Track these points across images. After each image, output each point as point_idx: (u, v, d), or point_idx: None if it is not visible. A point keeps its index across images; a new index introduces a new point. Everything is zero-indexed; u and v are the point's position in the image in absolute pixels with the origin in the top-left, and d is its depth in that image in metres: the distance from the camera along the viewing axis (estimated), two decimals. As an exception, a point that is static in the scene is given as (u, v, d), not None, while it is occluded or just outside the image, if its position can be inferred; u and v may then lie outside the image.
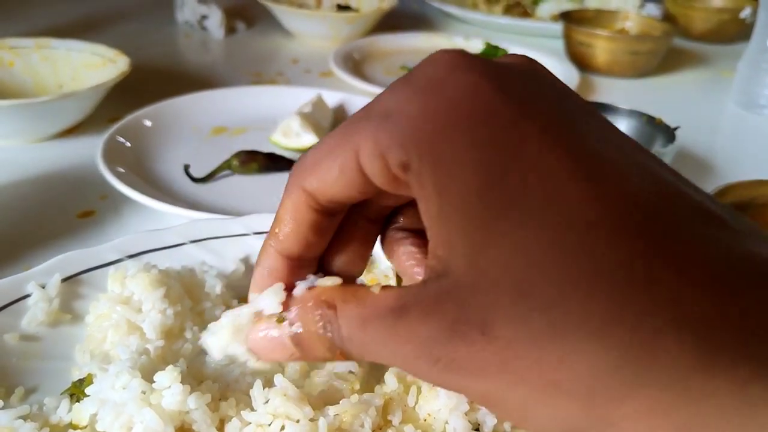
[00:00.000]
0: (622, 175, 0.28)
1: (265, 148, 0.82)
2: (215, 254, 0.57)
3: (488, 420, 0.39)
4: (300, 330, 0.32)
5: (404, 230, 0.38)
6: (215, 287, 0.53)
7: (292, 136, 0.84)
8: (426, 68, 0.30)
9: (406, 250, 0.37)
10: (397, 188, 0.30)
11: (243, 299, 0.55)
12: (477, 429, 0.40)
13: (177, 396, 0.38)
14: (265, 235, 0.57)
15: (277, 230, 0.34)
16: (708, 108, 1.20)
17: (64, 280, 0.52)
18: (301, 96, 0.95)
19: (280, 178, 0.78)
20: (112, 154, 0.74)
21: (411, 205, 0.36)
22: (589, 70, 1.28)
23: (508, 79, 0.29)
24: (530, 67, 0.32)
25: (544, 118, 0.28)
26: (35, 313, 0.49)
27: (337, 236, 0.36)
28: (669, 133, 0.82)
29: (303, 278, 0.35)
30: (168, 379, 0.40)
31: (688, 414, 0.25)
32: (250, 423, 0.40)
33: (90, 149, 0.79)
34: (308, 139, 0.83)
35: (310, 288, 0.32)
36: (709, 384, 0.25)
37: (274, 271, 0.35)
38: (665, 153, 0.76)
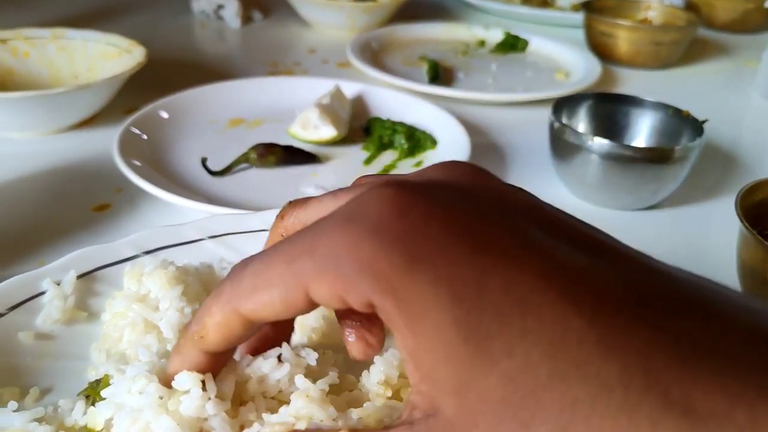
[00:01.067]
0: (593, 278, 0.27)
1: (283, 141, 0.81)
2: (234, 250, 0.56)
3: None
4: None
5: None
6: (234, 285, 0.52)
7: (311, 128, 0.82)
8: (368, 207, 0.30)
9: (347, 315, 0.36)
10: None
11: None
12: None
13: (195, 401, 0.37)
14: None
15: (202, 335, 0.35)
16: (732, 99, 1.17)
17: (80, 276, 0.51)
18: (319, 87, 0.94)
19: (299, 171, 0.77)
20: (128, 147, 0.73)
21: None
22: (611, 61, 1.25)
23: (454, 209, 0.29)
24: (472, 180, 0.32)
25: (500, 244, 0.28)
26: (50, 311, 0.48)
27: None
28: (697, 127, 0.79)
29: (222, 364, 0.38)
30: (187, 382, 0.39)
31: None
32: (273, 425, 0.38)
33: (105, 141, 0.78)
34: (327, 131, 0.82)
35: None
36: None
37: (196, 364, 0.36)
38: (694, 147, 0.74)
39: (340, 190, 0.36)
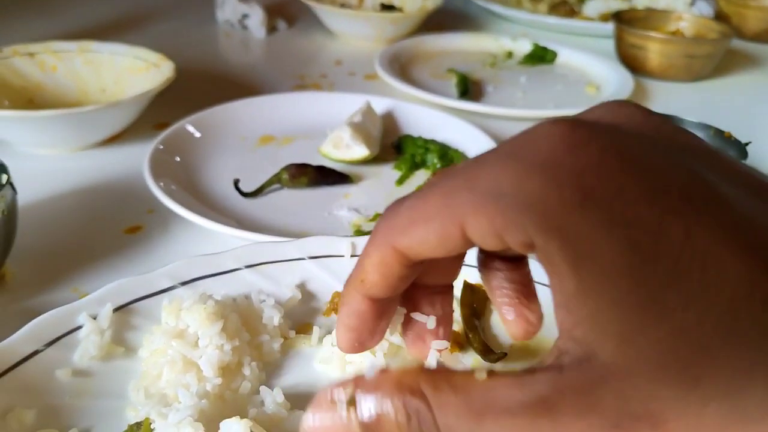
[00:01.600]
0: None
1: (315, 160, 0.79)
2: (270, 280, 0.55)
3: None
4: (373, 418, 0.29)
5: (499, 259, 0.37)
6: (273, 318, 0.51)
7: (343, 148, 0.80)
8: (536, 142, 0.28)
9: (501, 285, 0.37)
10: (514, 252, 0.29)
11: (300, 329, 0.52)
12: None
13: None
14: (320, 260, 0.55)
15: (362, 279, 0.34)
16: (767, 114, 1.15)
17: (116, 309, 0.49)
18: (349, 102, 0.92)
19: (331, 192, 0.76)
20: (159, 167, 0.72)
21: None
22: (642, 73, 1.23)
23: (629, 147, 0.27)
24: (643, 123, 0.30)
25: (681, 189, 0.26)
26: (87, 346, 0.47)
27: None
28: (740, 149, 0.77)
29: (386, 317, 0.37)
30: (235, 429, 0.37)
31: None
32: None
33: (135, 157, 0.77)
34: (359, 150, 0.80)
35: (383, 370, 0.30)
36: None
37: (360, 313, 0.36)
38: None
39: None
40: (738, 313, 0.24)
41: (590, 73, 1.22)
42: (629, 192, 0.25)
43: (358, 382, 0.30)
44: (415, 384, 0.28)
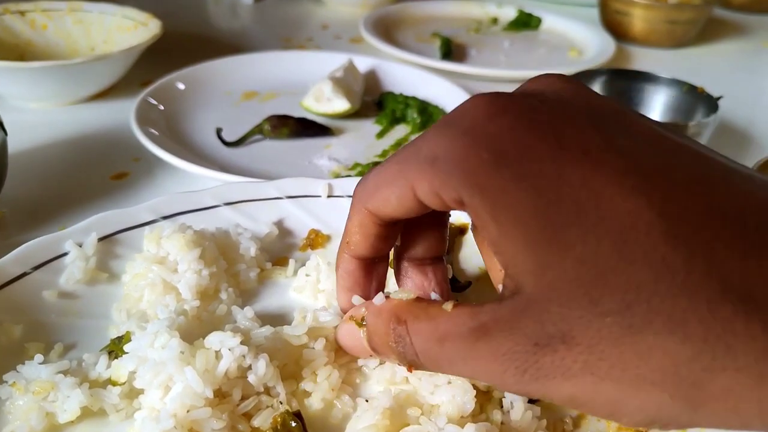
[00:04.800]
0: (667, 176, 0.30)
1: (297, 113, 0.81)
2: (249, 217, 0.57)
3: None
4: (374, 337, 0.38)
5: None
6: (250, 249, 0.53)
7: (324, 101, 0.83)
8: (465, 113, 0.34)
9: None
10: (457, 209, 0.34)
11: (276, 261, 0.55)
12: None
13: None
14: (297, 199, 0.58)
15: (348, 240, 0.41)
16: (748, 79, 1.17)
17: (101, 239, 0.52)
18: (332, 61, 0.94)
19: (311, 143, 0.78)
20: (145, 117, 0.74)
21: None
22: (626, 40, 1.24)
23: (540, 113, 0.32)
24: (561, 89, 0.35)
25: (580, 144, 0.31)
26: (73, 271, 0.49)
27: (414, 230, 0.42)
28: (711, 103, 0.80)
29: (377, 275, 0.43)
30: (216, 342, 0.40)
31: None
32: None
33: (123, 112, 0.80)
34: (340, 104, 0.82)
35: (388, 298, 0.38)
36: None
37: (351, 271, 0.43)
38: (707, 123, 0.74)
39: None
40: (626, 241, 0.28)
41: (574, 39, 1.24)
42: (535, 151, 0.31)
43: (369, 306, 0.39)
44: (402, 313, 0.36)
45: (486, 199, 0.31)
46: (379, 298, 0.38)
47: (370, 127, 0.84)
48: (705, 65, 1.21)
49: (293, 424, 0.39)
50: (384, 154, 0.78)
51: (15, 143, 0.62)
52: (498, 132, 0.32)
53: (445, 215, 0.43)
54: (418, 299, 0.37)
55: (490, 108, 0.33)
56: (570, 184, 0.30)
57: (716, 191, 0.29)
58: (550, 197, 0.30)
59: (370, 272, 0.43)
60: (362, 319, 0.39)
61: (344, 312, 0.44)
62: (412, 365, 0.36)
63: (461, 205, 0.33)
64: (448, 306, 0.34)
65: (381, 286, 0.44)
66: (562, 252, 0.29)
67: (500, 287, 0.34)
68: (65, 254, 0.50)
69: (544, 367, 0.30)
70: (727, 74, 1.17)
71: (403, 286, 0.43)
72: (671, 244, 0.28)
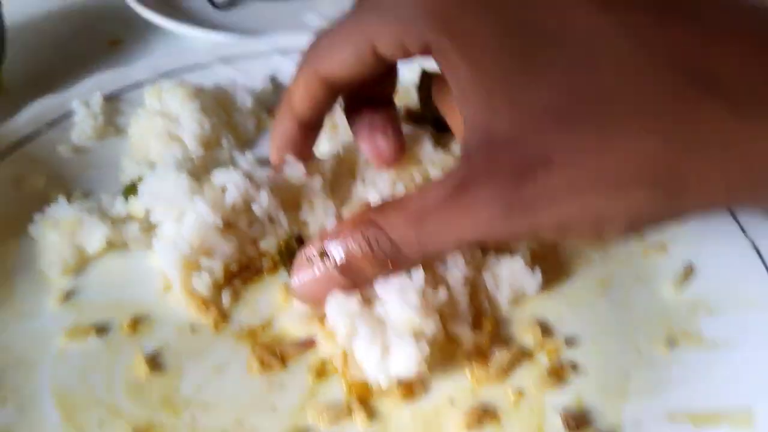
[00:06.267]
0: None
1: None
2: (243, 72, 0.60)
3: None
4: (344, 257, 0.35)
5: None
6: (246, 102, 0.56)
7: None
8: None
9: (361, 127, 0.43)
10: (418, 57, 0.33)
11: (273, 112, 0.58)
12: None
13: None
14: (290, 54, 0.60)
15: (290, 101, 0.40)
16: None
17: (105, 97, 0.55)
18: None
19: (300, 3, 0.79)
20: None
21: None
22: None
23: None
24: None
25: None
26: (83, 127, 0.53)
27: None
28: None
29: (312, 137, 0.43)
30: (224, 178, 0.43)
31: (741, 168, 0.28)
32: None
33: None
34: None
35: (339, 219, 0.37)
36: (747, 135, 0.27)
37: (290, 133, 0.42)
38: None
39: None
40: (593, 54, 0.29)
41: None
42: None
43: (322, 234, 0.37)
44: (367, 217, 0.35)
45: (455, 38, 0.31)
46: (330, 222, 0.37)
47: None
48: None
49: (296, 246, 0.44)
50: (372, 10, 0.78)
51: (11, 15, 0.64)
52: None
53: (395, 66, 0.42)
54: (372, 204, 0.36)
55: None
56: (536, 7, 0.30)
57: (676, 4, 0.30)
58: (517, 25, 0.30)
59: (307, 134, 0.43)
60: (322, 252, 0.36)
61: (275, 165, 0.44)
62: (395, 263, 0.35)
63: (427, 50, 0.33)
64: (411, 191, 0.34)
65: (312, 146, 0.44)
66: (535, 78, 0.29)
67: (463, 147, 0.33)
68: (73, 113, 0.53)
69: (529, 197, 0.30)
70: None
71: (354, 126, 0.44)
72: (634, 50, 0.28)
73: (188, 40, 0.68)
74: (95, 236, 0.44)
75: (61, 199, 0.46)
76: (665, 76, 0.28)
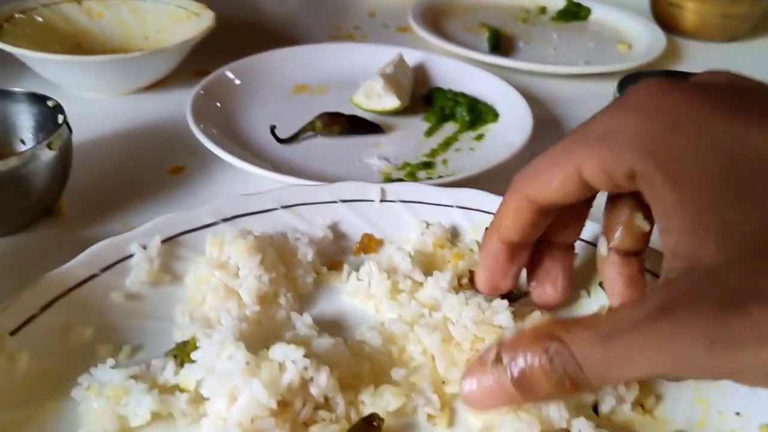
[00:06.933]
0: None
1: (347, 109, 0.82)
2: (304, 220, 0.58)
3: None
4: (521, 370, 0.34)
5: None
6: (307, 254, 0.54)
7: (375, 98, 0.83)
8: (636, 93, 0.34)
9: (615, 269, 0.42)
10: (621, 190, 0.34)
11: (331, 266, 0.56)
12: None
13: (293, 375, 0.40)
14: (351, 203, 0.59)
15: (499, 224, 0.42)
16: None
17: (164, 241, 0.53)
18: (381, 54, 0.94)
19: (362, 141, 0.79)
20: (201, 112, 0.76)
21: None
22: (677, 33, 1.22)
23: (713, 92, 0.32)
24: (732, 81, 0.35)
25: (759, 108, 0.30)
26: (138, 273, 0.51)
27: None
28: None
29: (519, 261, 0.45)
30: (279, 354, 0.41)
31: None
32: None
33: (177, 103, 0.81)
34: (390, 101, 0.83)
35: (520, 330, 0.35)
36: None
37: (496, 254, 0.44)
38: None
39: None
40: None
41: (623, 31, 1.22)
42: (713, 116, 0.30)
43: (501, 343, 0.35)
44: (550, 331, 0.33)
45: (662, 165, 0.30)
46: (510, 332, 0.36)
47: (419, 124, 0.84)
48: (760, 61, 1.18)
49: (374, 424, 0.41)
50: (433, 153, 0.78)
51: (74, 134, 0.64)
52: (673, 104, 0.32)
53: (588, 207, 0.43)
54: (557, 319, 0.36)
55: (663, 86, 0.33)
56: (753, 140, 0.29)
57: None
58: (734, 154, 0.29)
59: (514, 257, 0.44)
60: (497, 359, 0.35)
61: (482, 290, 0.46)
62: (574, 384, 0.32)
63: (632, 180, 0.32)
64: (604, 311, 0.33)
65: (520, 272, 0.46)
66: (749, 206, 0.28)
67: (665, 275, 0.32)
68: (131, 256, 0.52)
69: (736, 332, 0.27)
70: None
71: (533, 269, 0.46)
72: None
73: (251, 174, 0.68)
74: (141, 407, 0.41)
75: (109, 361, 0.43)
76: None
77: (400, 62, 0.91)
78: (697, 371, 0.30)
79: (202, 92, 0.80)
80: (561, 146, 0.36)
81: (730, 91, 0.33)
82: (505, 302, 0.46)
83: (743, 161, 0.29)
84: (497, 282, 0.45)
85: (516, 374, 0.34)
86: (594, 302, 0.50)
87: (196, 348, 0.44)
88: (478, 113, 0.85)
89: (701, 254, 0.29)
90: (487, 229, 0.44)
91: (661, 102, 0.32)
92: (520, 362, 0.34)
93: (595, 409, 0.42)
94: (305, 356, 0.42)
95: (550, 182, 0.37)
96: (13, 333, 0.44)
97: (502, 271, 0.44)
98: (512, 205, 0.40)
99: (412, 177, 0.73)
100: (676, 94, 0.32)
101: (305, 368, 0.41)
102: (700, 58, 1.16)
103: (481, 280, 0.46)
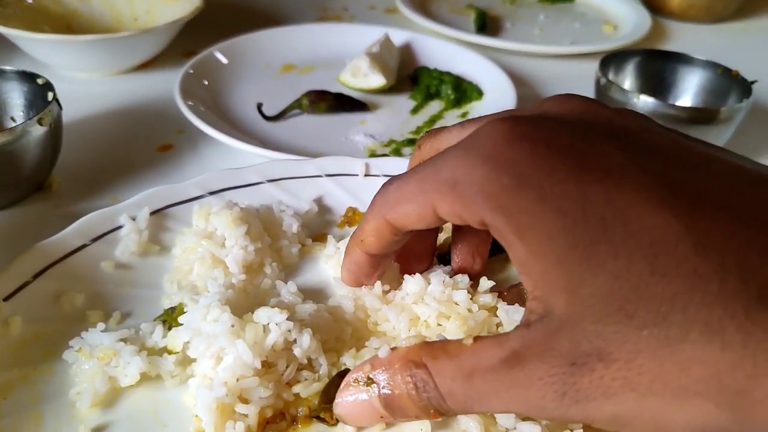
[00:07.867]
0: (694, 188, 0.30)
1: (333, 88, 0.83)
2: (290, 193, 0.60)
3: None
4: (389, 392, 0.36)
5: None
6: (292, 226, 0.56)
7: (361, 76, 0.85)
8: (485, 138, 0.34)
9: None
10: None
11: (316, 237, 0.58)
12: None
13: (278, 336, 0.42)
14: (336, 177, 0.60)
15: (362, 239, 0.43)
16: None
17: (152, 213, 0.55)
18: (368, 34, 0.96)
19: (348, 118, 0.81)
20: (189, 90, 0.77)
21: None
22: (662, 14, 1.23)
23: (559, 137, 0.33)
24: (582, 112, 0.36)
25: (602, 163, 0.31)
26: (127, 243, 0.53)
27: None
28: (745, 87, 0.80)
29: (381, 267, 0.47)
30: (269, 316, 0.43)
31: None
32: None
33: (166, 83, 0.82)
34: (376, 79, 0.84)
35: (394, 349, 0.36)
36: None
37: (360, 263, 0.45)
38: (740, 108, 0.75)
39: (468, 121, 0.42)
40: (657, 255, 0.29)
41: (609, 12, 1.23)
42: (556, 173, 0.31)
43: (374, 362, 0.37)
44: (418, 357, 0.35)
45: (510, 219, 0.31)
46: (383, 350, 0.37)
47: (404, 102, 0.86)
48: (744, 42, 1.19)
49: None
50: (418, 131, 0.79)
51: (65, 113, 0.65)
52: (518, 157, 0.32)
53: None
54: (427, 342, 0.36)
55: (509, 133, 0.33)
56: (594, 202, 0.30)
57: (745, 199, 0.30)
58: (576, 216, 0.30)
59: (377, 264, 0.46)
60: (368, 379, 0.37)
61: (347, 284, 0.48)
62: (438, 412, 0.35)
63: (483, 225, 0.34)
64: (468, 341, 0.34)
65: (384, 272, 0.48)
66: (593, 268, 0.29)
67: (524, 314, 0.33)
68: (120, 227, 0.53)
69: (583, 387, 0.30)
70: (765, 53, 1.16)
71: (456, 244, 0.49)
72: (702, 254, 0.28)
73: (238, 150, 0.69)
74: (130, 368, 0.42)
75: (100, 325, 0.45)
76: (736, 290, 0.27)
77: (386, 42, 0.92)
78: (551, 417, 0.32)
79: (191, 71, 0.81)
80: (415, 181, 0.37)
81: (578, 134, 0.33)
82: (466, 278, 0.48)
83: (586, 224, 0.30)
84: (361, 282, 0.48)
85: (384, 396, 0.36)
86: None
87: (183, 313, 0.45)
88: (463, 92, 0.86)
89: (553, 303, 0.31)
90: (352, 236, 0.45)
91: (508, 154, 0.32)
92: (389, 386, 0.35)
93: None
94: (288, 319, 0.43)
95: (408, 214, 0.38)
96: (6, 299, 0.46)
97: (365, 275, 0.47)
98: (374, 225, 0.41)
99: (397, 154, 0.74)
100: (522, 145, 0.32)
101: (288, 330, 0.43)
102: (686, 38, 1.18)
103: (346, 279, 0.48)
